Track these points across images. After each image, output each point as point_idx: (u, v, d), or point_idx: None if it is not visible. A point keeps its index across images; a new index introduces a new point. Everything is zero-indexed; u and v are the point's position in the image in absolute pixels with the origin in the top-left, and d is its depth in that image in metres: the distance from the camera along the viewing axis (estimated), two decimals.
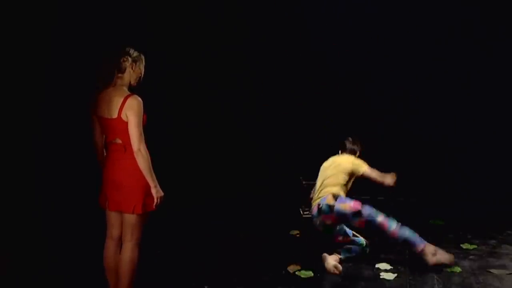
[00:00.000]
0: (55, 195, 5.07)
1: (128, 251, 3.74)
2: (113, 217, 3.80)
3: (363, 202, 4.81)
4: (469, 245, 5.23)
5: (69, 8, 5.11)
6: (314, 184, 5.19)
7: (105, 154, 3.80)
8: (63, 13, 5.06)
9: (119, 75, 3.66)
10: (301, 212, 5.73)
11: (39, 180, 4.93)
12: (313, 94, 6.83)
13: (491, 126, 6.62)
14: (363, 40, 6.65)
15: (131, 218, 3.70)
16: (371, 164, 4.99)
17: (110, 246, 3.85)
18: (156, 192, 3.64)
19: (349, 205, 4.73)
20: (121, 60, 3.66)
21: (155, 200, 3.65)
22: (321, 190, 4.98)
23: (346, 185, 4.98)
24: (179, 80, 6.57)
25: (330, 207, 4.76)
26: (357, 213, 4.69)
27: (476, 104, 6.60)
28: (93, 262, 4.11)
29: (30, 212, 4.78)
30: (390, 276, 4.55)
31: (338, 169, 5.01)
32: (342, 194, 4.89)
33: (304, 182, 5.86)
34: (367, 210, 4.70)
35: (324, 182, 5.00)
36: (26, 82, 4.72)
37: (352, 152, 5.20)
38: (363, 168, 4.98)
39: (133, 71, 3.70)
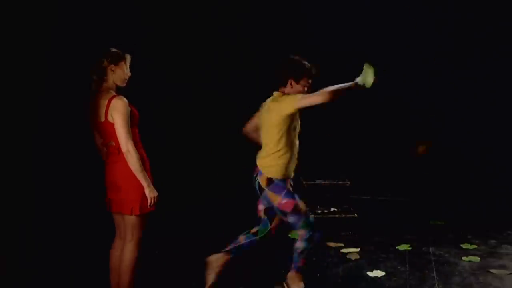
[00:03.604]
0: (62, 195, 5.09)
1: (129, 251, 3.76)
2: (117, 218, 3.82)
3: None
4: (469, 245, 5.23)
5: (69, 10, 5.12)
6: (314, 184, 5.14)
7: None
8: (64, 15, 5.07)
9: (104, 77, 3.65)
10: None
11: (45, 180, 4.94)
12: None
13: (490, 126, 6.61)
14: (363, 40, 6.65)
15: (130, 219, 3.71)
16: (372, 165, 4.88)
17: (117, 245, 3.85)
18: (149, 192, 3.64)
19: (279, 201, 3.99)
20: (99, 65, 3.64)
21: (149, 200, 3.66)
22: (259, 156, 4.12)
23: (280, 147, 3.96)
24: (176, 80, 6.57)
25: (260, 189, 4.08)
26: (283, 213, 4.02)
27: (476, 104, 6.60)
28: (99, 261, 4.12)
29: (33, 212, 4.79)
30: (390, 276, 4.56)
31: (267, 124, 4.01)
32: (277, 172, 3.98)
33: (304, 182, 5.87)
34: (293, 219, 3.99)
35: (262, 143, 4.10)
36: (27, 83, 4.72)
37: (282, 83, 4.00)
38: (293, 103, 3.84)
39: (114, 72, 3.66)
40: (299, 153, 4.08)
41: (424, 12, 6.54)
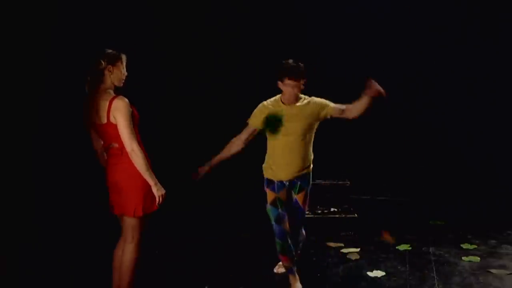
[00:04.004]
0: (62, 195, 5.10)
1: (129, 252, 3.75)
2: (120, 219, 3.81)
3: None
4: (469, 245, 5.23)
5: (69, 10, 5.12)
6: (314, 184, 5.14)
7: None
8: (64, 15, 5.07)
9: (101, 78, 3.64)
10: None
11: (45, 180, 4.94)
12: (312, 93, 6.81)
13: (491, 126, 6.61)
14: (363, 40, 6.64)
15: (132, 221, 3.71)
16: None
17: (121, 245, 3.85)
18: (157, 190, 3.62)
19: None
20: (96, 66, 3.62)
21: (157, 199, 3.64)
22: None
23: (267, 148, 4.30)
24: (175, 79, 6.57)
25: None
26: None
27: (477, 104, 6.60)
28: (101, 262, 4.12)
29: (33, 212, 4.80)
30: (390, 276, 4.56)
31: None
32: (264, 169, 4.31)
33: None
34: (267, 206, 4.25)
35: None
36: (27, 83, 4.72)
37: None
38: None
39: (112, 72, 3.64)
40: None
41: (424, 12, 6.54)
